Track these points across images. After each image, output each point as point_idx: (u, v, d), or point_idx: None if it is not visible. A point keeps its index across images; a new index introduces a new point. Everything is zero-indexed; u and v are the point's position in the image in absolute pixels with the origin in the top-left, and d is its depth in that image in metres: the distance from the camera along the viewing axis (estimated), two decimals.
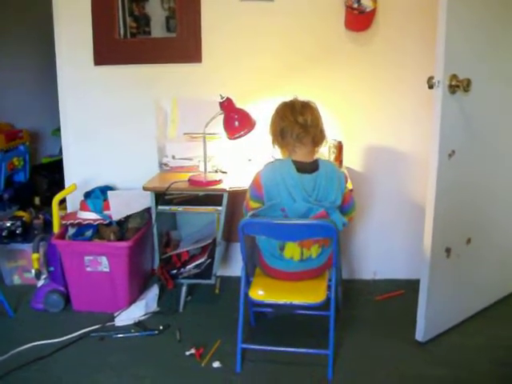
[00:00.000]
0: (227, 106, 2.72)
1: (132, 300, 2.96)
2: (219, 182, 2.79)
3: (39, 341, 2.62)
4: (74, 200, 3.23)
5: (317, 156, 2.42)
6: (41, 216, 3.54)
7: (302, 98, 2.43)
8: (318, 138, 2.37)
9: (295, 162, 2.31)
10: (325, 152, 2.91)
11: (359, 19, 2.92)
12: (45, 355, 2.52)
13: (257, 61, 3.07)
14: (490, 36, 2.46)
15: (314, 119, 2.35)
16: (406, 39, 2.98)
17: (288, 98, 2.44)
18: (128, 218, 2.99)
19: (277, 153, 2.52)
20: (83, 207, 2.99)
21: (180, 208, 2.83)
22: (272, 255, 2.41)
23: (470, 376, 2.36)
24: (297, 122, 2.32)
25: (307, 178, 2.28)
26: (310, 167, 2.32)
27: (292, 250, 2.38)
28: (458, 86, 2.30)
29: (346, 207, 2.41)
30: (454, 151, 2.42)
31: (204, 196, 2.84)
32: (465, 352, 2.53)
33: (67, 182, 3.31)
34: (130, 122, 3.22)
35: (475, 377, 2.35)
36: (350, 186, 2.49)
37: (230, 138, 2.76)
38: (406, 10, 2.95)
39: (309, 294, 2.35)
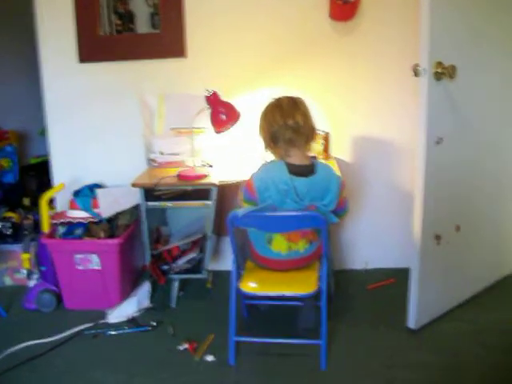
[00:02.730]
0: (213, 99, 2.71)
1: (124, 297, 2.96)
2: (208, 175, 2.79)
3: (32, 340, 2.62)
4: (63, 199, 3.22)
5: (311, 153, 2.39)
6: (30, 216, 3.52)
7: (288, 94, 2.38)
8: (310, 136, 2.32)
9: (289, 165, 2.26)
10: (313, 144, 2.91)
11: (343, 9, 2.92)
12: (38, 355, 2.52)
13: (242, 53, 3.07)
14: (474, 21, 2.46)
15: (304, 119, 2.28)
16: (391, 28, 2.98)
17: (274, 97, 2.37)
18: (117, 215, 2.99)
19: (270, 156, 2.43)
20: (72, 206, 2.98)
21: (169, 203, 2.82)
22: (262, 245, 2.42)
23: (463, 362, 2.37)
24: (287, 126, 2.25)
25: (301, 181, 2.24)
26: (306, 170, 2.27)
27: (279, 244, 2.37)
28: (444, 72, 2.30)
29: (337, 211, 2.37)
30: (441, 138, 2.42)
31: (193, 190, 2.83)
32: (457, 338, 2.55)
33: (55, 182, 3.30)
34: (116, 119, 3.21)
35: (469, 363, 2.36)
36: (343, 193, 2.39)
37: (218, 132, 2.76)
38: None
39: (300, 285, 2.36)
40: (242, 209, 2.29)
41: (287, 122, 2.25)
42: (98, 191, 2.99)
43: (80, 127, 3.24)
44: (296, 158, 2.29)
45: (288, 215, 2.26)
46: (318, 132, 2.86)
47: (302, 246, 2.39)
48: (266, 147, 2.37)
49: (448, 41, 2.34)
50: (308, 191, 2.24)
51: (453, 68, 2.30)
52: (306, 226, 2.32)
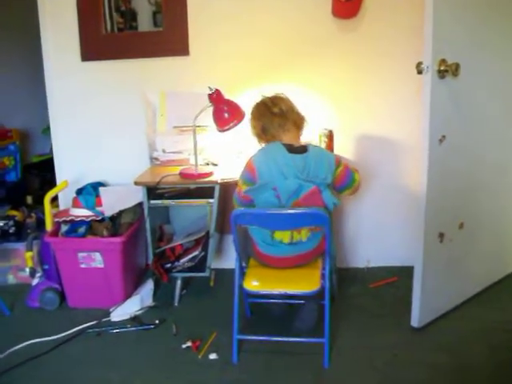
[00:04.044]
0: (216, 97, 2.70)
1: (127, 295, 2.96)
2: (210, 174, 2.79)
3: (36, 339, 2.62)
4: (66, 197, 3.22)
5: (305, 141, 2.48)
6: (33, 215, 3.53)
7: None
8: (298, 121, 2.45)
9: (285, 145, 2.35)
10: (315, 141, 2.91)
11: (346, 6, 2.91)
12: (42, 353, 2.52)
13: (245, 51, 3.06)
14: (478, 20, 2.45)
15: (287, 105, 2.43)
16: (395, 24, 2.97)
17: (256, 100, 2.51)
18: (120, 213, 2.98)
19: None
20: (75, 204, 2.98)
21: (172, 202, 2.83)
22: (264, 241, 2.42)
23: (466, 361, 2.36)
24: (274, 114, 2.40)
25: (298, 157, 2.31)
26: (299, 149, 2.35)
27: (282, 233, 2.39)
28: (447, 70, 2.30)
29: (339, 187, 2.46)
30: (444, 136, 2.41)
31: (196, 189, 2.84)
32: (461, 337, 2.54)
33: (58, 180, 3.31)
34: (119, 118, 3.21)
35: (472, 361, 2.35)
36: (341, 166, 2.43)
37: (220, 130, 2.75)
38: None
39: (303, 283, 2.35)
40: (242, 192, 2.39)
41: (273, 111, 2.41)
42: (101, 189, 2.99)
43: (83, 126, 3.24)
44: (288, 140, 2.39)
45: (291, 213, 2.26)
46: (322, 130, 2.87)
47: (304, 235, 2.39)
48: (260, 141, 2.49)
49: (452, 38, 2.33)
50: (304, 167, 2.30)
51: (456, 65, 2.30)
52: (308, 224, 2.33)
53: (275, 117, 2.39)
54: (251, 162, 2.37)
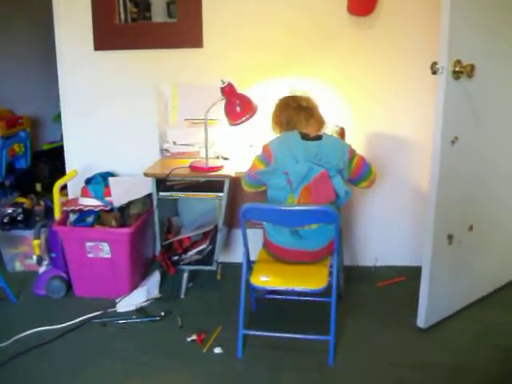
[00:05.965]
0: (228, 91, 2.69)
1: (134, 286, 2.97)
2: (221, 167, 2.79)
3: (41, 327, 2.63)
4: (75, 186, 3.22)
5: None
6: (42, 202, 3.53)
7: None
8: (320, 121, 2.50)
9: (300, 132, 2.39)
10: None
11: (362, 4, 2.89)
12: (47, 341, 2.53)
13: (259, 45, 3.04)
14: (494, 21, 2.43)
15: (314, 104, 2.51)
16: (411, 23, 2.94)
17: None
18: (129, 204, 2.98)
19: None
20: (84, 193, 2.98)
21: (181, 194, 2.83)
22: (272, 229, 2.43)
23: (471, 362, 2.35)
24: (301, 107, 2.47)
25: (311, 143, 2.35)
26: (315, 137, 2.40)
27: None
28: (462, 71, 2.28)
29: (356, 178, 2.49)
30: (457, 137, 2.40)
31: (205, 182, 2.83)
32: (466, 338, 2.53)
33: (68, 168, 3.31)
34: (130, 108, 3.20)
35: (477, 363, 2.35)
36: (356, 157, 2.45)
37: (232, 124, 2.74)
38: None
39: (310, 280, 2.35)
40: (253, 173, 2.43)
41: (300, 104, 2.48)
42: (111, 179, 2.99)
43: (94, 115, 3.24)
44: (307, 131, 2.43)
45: (301, 210, 2.26)
46: (334, 127, 2.86)
47: (313, 225, 2.39)
48: (280, 131, 2.51)
49: (468, 39, 2.31)
50: (317, 152, 2.33)
51: (471, 67, 2.27)
52: (317, 221, 2.33)
53: (301, 110, 2.45)
54: (268, 146, 2.41)
